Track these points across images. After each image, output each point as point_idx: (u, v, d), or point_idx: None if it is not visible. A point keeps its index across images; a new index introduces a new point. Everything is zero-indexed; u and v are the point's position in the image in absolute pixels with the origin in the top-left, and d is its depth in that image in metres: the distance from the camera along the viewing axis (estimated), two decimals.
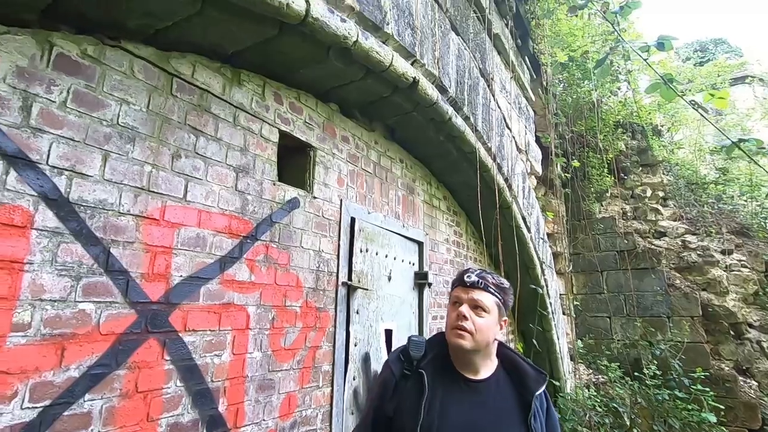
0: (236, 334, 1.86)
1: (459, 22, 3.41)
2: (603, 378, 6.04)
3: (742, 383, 6.05)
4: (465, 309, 1.32)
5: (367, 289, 2.68)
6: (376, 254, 2.87)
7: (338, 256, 2.53)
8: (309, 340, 2.25)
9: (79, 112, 1.44)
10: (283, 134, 2.26)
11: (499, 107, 4.10)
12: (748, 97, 10.81)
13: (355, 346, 2.55)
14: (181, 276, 1.67)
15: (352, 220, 2.65)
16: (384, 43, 2.37)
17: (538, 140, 5.72)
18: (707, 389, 5.58)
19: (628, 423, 5.38)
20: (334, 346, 2.41)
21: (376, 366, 2.72)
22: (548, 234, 6.90)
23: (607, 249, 7.17)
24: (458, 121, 3.18)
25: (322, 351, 2.33)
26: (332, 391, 2.35)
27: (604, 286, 7.14)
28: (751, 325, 6.58)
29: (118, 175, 1.52)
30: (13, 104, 1.28)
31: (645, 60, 2.06)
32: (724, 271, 6.82)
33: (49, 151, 1.35)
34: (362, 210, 2.78)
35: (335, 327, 2.43)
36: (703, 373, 5.71)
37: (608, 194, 7.55)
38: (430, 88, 2.81)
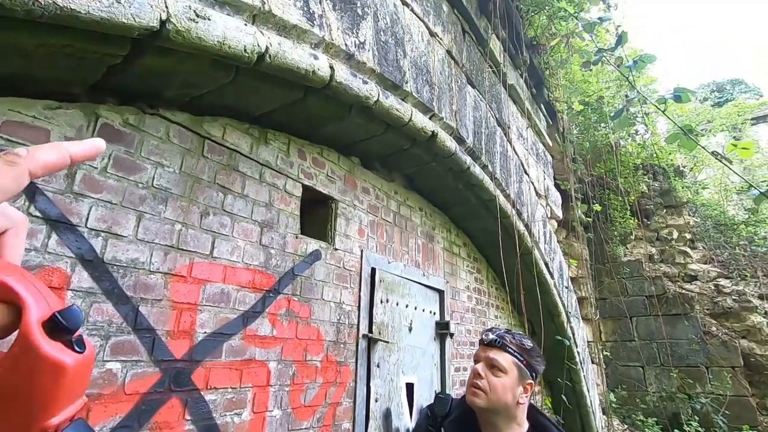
0: (257, 391, 1.84)
1: (475, 75, 3.54)
2: None
3: None
4: (480, 367, 1.33)
5: (387, 342, 2.63)
6: (397, 304, 2.84)
7: (359, 307, 2.51)
8: (329, 396, 2.20)
9: (117, 176, 1.52)
10: (306, 188, 2.33)
11: (516, 154, 4.15)
12: None
13: (376, 401, 2.48)
14: (205, 332, 1.69)
15: (373, 270, 2.65)
16: (403, 100, 2.47)
17: (557, 185, 5.71)
18: None
19: None
20: (354, 402, 2.34)
21: (397, 423, 2.61)
22: (572, 278, 6.73)
23: (635, 294, 6.91)
24: (476, 170, 3.23)
25: (342, 407, 2.27)
26: None
27: (634, 333, 6.82)
28: None
29: (150, 234, 1.58)
30: (59, 173, 1.38)
31: (663, 112, 2.08)
32: (764, 317, 6.44)
33: (88, 213, 1.43)
34: (382, 260, 2.78)
35: (356, 382, 2.38)
36: (750, 431, 5.28)
37: (632, 237, 7.38)
38: (449, 139, 2.88)
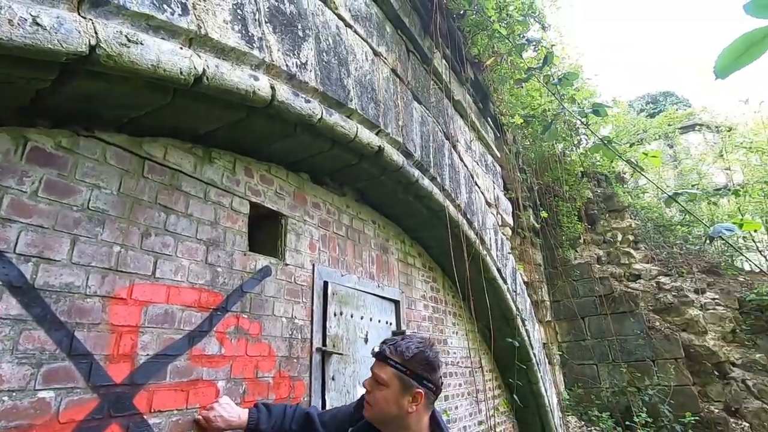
0: None
1: (421, 92, 3.70)
2: (595, 429, 5.89)
3: (733, 425, 5.98)
4: (367, 382, 1.37)
5: (342, 354, 2.66)
6: (351, 317, 2.88)
7: (312, 321, 2.53)
8: None
9: (49, 200, 1.50)
10: (254, 205, 2.35)
11: (465, 166, 4.33)
12: (701, 143, 11.64)
13: None
14: (147, 355, 1.67)
15: (325, 284, 2.68)
16: (349, 117, 2.56)
17: (507, 194, 5.98)
18: None
19: None
20: None
21: None
22: (527, 283, 7.00)
23: (586, 294, 7.28)
24: (425, 182, 3.35)
25: None
26: None
27: (587, 333, 7.16)
28: (734, 364, 6.62)
29: (86, 257, 1.56)
30: None
31: (585, 125, 2.28)
32: (700, 310, 6.96)
33: (17, 239, 1.39)
34: (335, 273, 2.82)
35: (310, 396, 2.39)
36: (693, 418, 5.66)
37: (581, 241, 7.80)
38: (396, 154, 2.99)
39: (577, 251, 7.70)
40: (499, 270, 4.65)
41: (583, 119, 2.31)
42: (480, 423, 4.36)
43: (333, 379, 2.57)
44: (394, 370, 1.30)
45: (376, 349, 1.37)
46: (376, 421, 1.34)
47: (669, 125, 10.34)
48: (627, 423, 5.77)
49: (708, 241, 6.81)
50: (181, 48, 1.58)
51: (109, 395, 1.52)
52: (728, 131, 11.17)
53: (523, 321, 5.08)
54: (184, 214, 1.95)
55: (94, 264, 1.58)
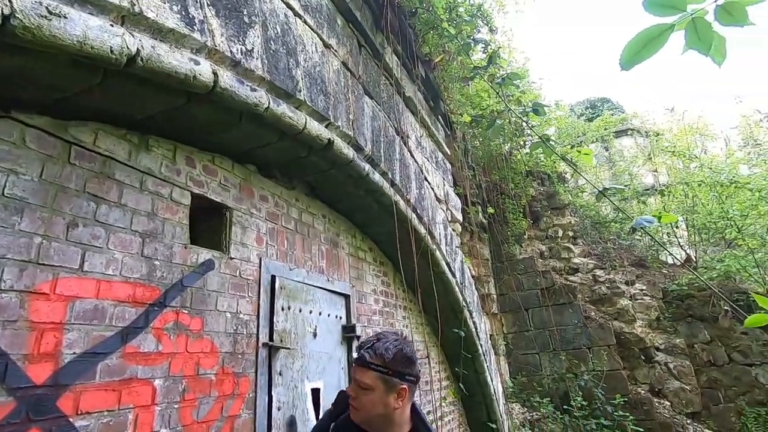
0: (140, 411, 1.73)
1: (372, 87, 3.71)
2: (537, 414, 6.22)
3: (656, 404, 6.53)
4: (351, 388, 1.39)
5: (289, 348, 2.63)
6: (300, 311, 2.85)
7: (258, 316, 2.48)
8: (226, 410, 2.13)
9: None
10: (196, 197, 2.26)
11: (416, 162, 4.41)
12: (633, 146, 12.60)
13: (279, 410, 2.45)
14: (74, 353, 1.55)
15: (273, 278, 2.63)
16: (297, 108, 2.52)
17: (457, 191, 6.15)
18: (628, 414, 5.96)
19: None
20: (255, 413, 2.29)
21: (303, 429, 2.61)
22: (476, 277, 7.24)
23: (530, 288, 7.64)
24: (376, 176, 3.37)
25: (241, 420, 2.21)
26: None
27: (530, 324, 7.53)
28: (658, 349, 7.23)
29: (1, 249, 1.43)
30: None
31: (526, 123, 2.39)
32: (630, 300, 7.54)
33: None
34: (283, 267, 2.78)
35: (256, 392, 2.33)
36: (622, 399, 6.12)
37: (526, 236, 8.18)
38: (346, 147, 2.98)
39: (522, 246, 8.07)
40: (448, 264, 4.77)
41: (525, 118, 2.42)
42: (428, 413, 4.47)
43: (280, 374, 2.53)
44: (377, 374, 1.33)
45: (355, 355, 1.40)
46: (364, 424, 1.36)
47: (605, 129, 11.14)
48: (565, 407, 6.15)
49: (631, 232, 7.38)
50: (112, 25, 1.48)
51: (28, 398, 1.40)
52: (656, 136, 12.18)
53: (470, 313, 5.26)
54: (117, 204, 1.84)
55: (11, 256, 1.45)
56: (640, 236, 8.80)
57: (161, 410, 1.82)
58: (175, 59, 1.69)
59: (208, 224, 2.41)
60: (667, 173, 11.36)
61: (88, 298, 1.64)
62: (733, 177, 7.94)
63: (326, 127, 2.79)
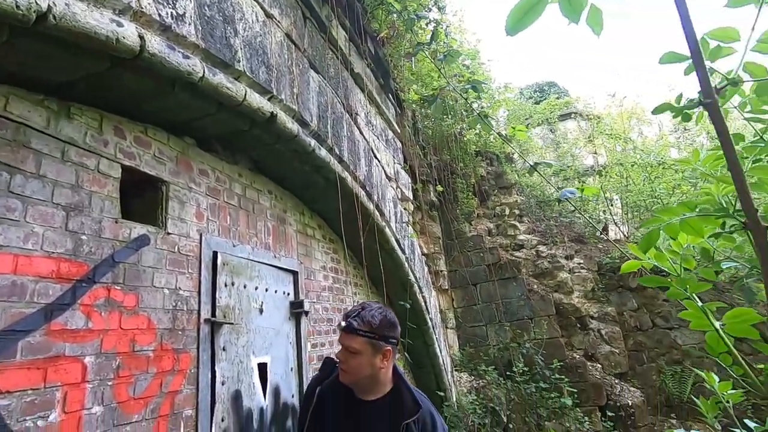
0: (68, 389, 1.67)
1: (318, 61, 3.65)
2: (483, 382, 6.59)
3: (590, 367, 7.11)
4: (340, 353, 1.52)
5: (233, 324, 2.61)
6: (244, 287, 2.83)
7: (199, 292, 2.43)
8: (166, 385, 2.11)
9: None
10: (127, 169, 2.16)
11: (365, 139, 4.42)
12: (576, 129, 13.27)
13: (223, 385, 2.45)
14: None
15: (214, 254, 2.59)
16: (236, 79, 2.44)
17: (410, 168, 6.24)
18: (564, 377, 6.45)
19: (505, 419, 5.92)
20: (197, 389, 2.28)
21: (249, 403, 2.63)
22: (427, 254, 7.43)
23: (478, 264, 7.97)
24: (322, 152, 3.36)
25: (182, 395, 2.19)
26: None
27: (478, 298, 7.88)
28: (592, 317, 7.83)
29: None
30: None
31: (466, 100, 2.47)
32: (569, 273, 8.07)
33: None
34: (226, 243, 2.73)
35: (198, 368, 2.32)
36: (559, 363, 6.61)
37: (475, 215, 8.47)
38: (290, 122, 2.94)
39: (471, 224, 8.36)
40: (398, 241, 4.87)
41: (465, 95, 2.50)
42: None
43: (224, 349, 2.51)
44: (365, 339, 1.46)
45: (343, 324, 1.50)
46: (353, 384, 1.51)
47: (551, 112, 11.63)
48: (508, 373, 6.55)
49: (558, 203, 7.85)
50: None
51: None
52: (597, 120, 12.89)
53: (420, 289, 5.43)
54: (35, 175, 1.73)
55: None
56: (580, 214, 9.37)
57: (93, 387, 1.77)
58: (94, 19, 1.59)
59: (143, 198, 2.32)
60: (606, 155, 12.09)
61: (4, 274, 1.55)
62: (662, 159, 8.60)
63: (269, 100, 2.73)
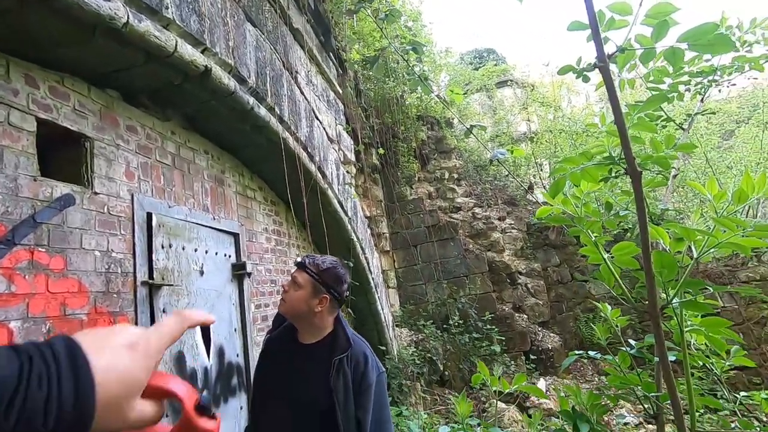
0: None
1: (255, 14, 3.46)
2: (422, 335, 7.02)
3: (517, 318, 7.81)
4: (287, 283, 1.63)
5: (172, 285, 2.57)
6: (183, 249, 2.76)
7: (134, 254, 2.35)
8: None
9: None
10: (43, 123, 1.98)
11: (306, 99, 4.32)
12: (512, 97, 13.81)
13: None
14: None
15: (149, 215, 2.48)
16: (165, 27, 2.28)
17: (352, 131, 6.21)
18: (494, 327, 7.06)
19: (441, 368, 6.42)
20: None
21: (193, 363, 2.64)
22: (370, 217, 7.57)
23: (418, 226, 8.27)
24: (262, 111, 3.26)
25: None
26: None
27: (418, 258, 8.24)
28: (520, 273, 8.53)
29: None
30: None
31: (406, 61, 2.51)
32: (501, 233, 8.63)
33: None
34: (161, 204, 2.62)
35: None
36: (490, 315, 7.20)
37: (416, 178, 8.69)
38: (226, 77, 2.81)
39: (412, 188, 8.58)
40: (340, 203, 4.92)
41: (405, 57, 2.53)
42: None
43: (164, 311, 2.48)
44: (309, 277, 1.57)
45: (299, 260, 1.62)
46: (288, 315, 1.62)
47: (489, 79, 11.97)
48: (445, 326, 7.04)
49: (491, 164, 8.33)
50: None
51: None
52: (531, 88, 13.47)
53: (363, 250, 5.57)
54: None
55: None
56: (512, 176, 9.94)
57: None
58: None
59: (65, 155, 2.15)
60: (538, 122, 12.77)
61: None
62: (586, 126, 9.27)
63: (202, 52, 2.58)
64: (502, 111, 12.38)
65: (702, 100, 1.84)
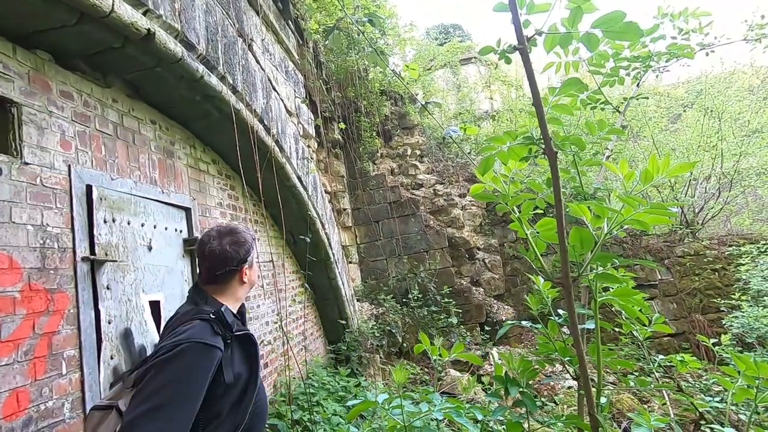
0: None
1: None
2: (382, 309, 7.17)
3: (474, 291, 8.12)
4: None
5: (117, 261, 2.47)
6: (129, 224, 2.65)
7: (73, 229, 2.23)
8: (40, 327, 1.97)
9: None
10: None
11: (262, 69, 4.16)
12: (476, 74, 13.86)
13: (110, 323, 2.36)
14: None
15: (89, 188, 2.35)
16: None
17: (313, 105, 6.05)
18: (452, 301, 7.30)
19: (400, 340, 6.61)
20: (79, 328, 2.17)
21: (142, 340, 2.58)
22: (331, 193, 7.51)
23: (381, 202, 8.32)
24: (213, 80, 3.12)
25: (61, 336, 2.08)
26: (82, 375, 2.15)
27: (380, 234, 8.32)
28: (479, 248, 8.81)
29: None
30: None
31: (363, 33, 2.45)
32: (461, 210, 8.83)
33: None
34: (102, 176, 2.49)
35: (78, 307, 2.19)
36: (449, 289, 7.43)
37: (379, 154, 8.66)
38: (172, 42, 2.65)
39: (375, 164, 8.56)
40: (299, 178, 4.85)
41: (362, 28, 2.48)
42: (289, 315, 4.79)
43: (108, 288, 2.39)
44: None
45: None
46: None
47: (453, 56, 11.94)
48: (404, 300, 7.21)
49: (443, 140, 8.45)
50: None
51: None
52: (494, 67, 13.57)
53: (323, 225, 5.55)
54: None
55: None
56: (476, 155, 10.09)
57: None
58: None
59: None
60: (501, 101, 12.94)
61: None
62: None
63: (144, 14, 2.42)
64: (465, 88, 12.44)
65: (638, 85, 1.94)
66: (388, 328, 6.52)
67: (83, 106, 2.45)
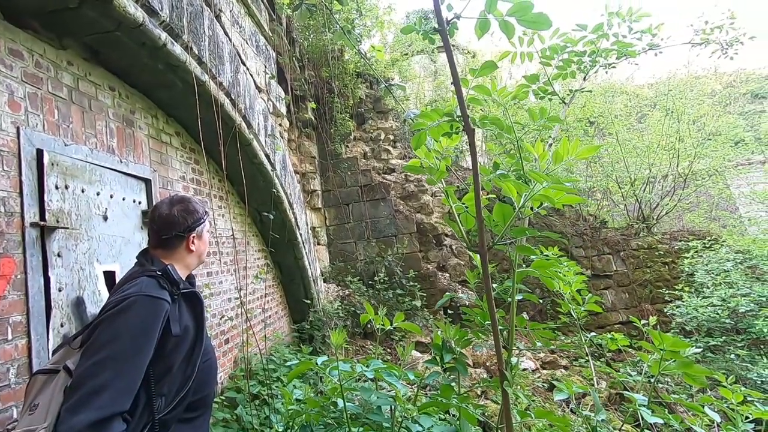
0: None
1: None
2: (348, 291, 7.26)
3: (440, 276, 8.31)
4: None
5: (68, 228, 2.42)
6: (83, 191, 2.59)
7: (21, 193, 2.17)
8: None
9: None
10: None
11: (231, 42, 4.07)
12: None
13: (61, 291, 2.33)
14: None
15: (39, 152, 2.28)
16: None
17: (285, 82, 5.97)
18: (417, 284, 7.47)
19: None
20: (26, 294, 2.13)
21: (94, 309, 2.56)
22: (302, 173, 7.47)
23: (352, 185, 8.33)
24: (176, 49, 3.04)
25: (8, 301, 2.04)
26: (30, 342, 2.12)
27: (350, 217, 8.36)
28: (446, 235, 8.99)
29: None
30: None
31: (330, 13, 2.45)
32: (431, 197, 8.96)
33: None
34: (55, 141, 2.41)
35: (26, 273, 2.15)
36: (415, 274, 7.59)
37: (352, 137, 8.64)
38: (132, 6, 2.57)
39: (347, 146, 8.54)
40: (267, 156, 4.81)
41: (329, 5, 2.47)
42: (246, 294, 4.79)
43: (59, 255, 2.35)
44: None
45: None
46: None
47: (432, 41, 11.87)
48: (371, 282, 7.32)
49: (403, 122, 8.55)
50: None
51: None
52: (472, 56, 13.65)
53: (291, 205, 5.54)
54: None
55: None
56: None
57: None
58: None
59: None
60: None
61: None
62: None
63: None
64: (442, 76, 12.48)
65: (584, 78, 2.04)
66: (353, 309, 6.62)
67: (35, 67, 2.36)
